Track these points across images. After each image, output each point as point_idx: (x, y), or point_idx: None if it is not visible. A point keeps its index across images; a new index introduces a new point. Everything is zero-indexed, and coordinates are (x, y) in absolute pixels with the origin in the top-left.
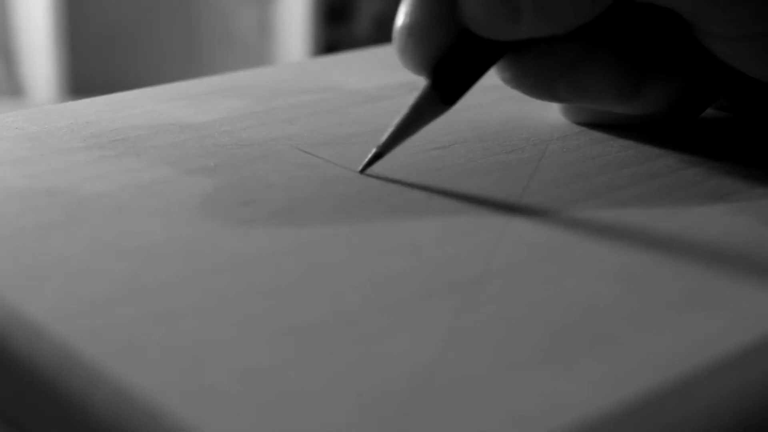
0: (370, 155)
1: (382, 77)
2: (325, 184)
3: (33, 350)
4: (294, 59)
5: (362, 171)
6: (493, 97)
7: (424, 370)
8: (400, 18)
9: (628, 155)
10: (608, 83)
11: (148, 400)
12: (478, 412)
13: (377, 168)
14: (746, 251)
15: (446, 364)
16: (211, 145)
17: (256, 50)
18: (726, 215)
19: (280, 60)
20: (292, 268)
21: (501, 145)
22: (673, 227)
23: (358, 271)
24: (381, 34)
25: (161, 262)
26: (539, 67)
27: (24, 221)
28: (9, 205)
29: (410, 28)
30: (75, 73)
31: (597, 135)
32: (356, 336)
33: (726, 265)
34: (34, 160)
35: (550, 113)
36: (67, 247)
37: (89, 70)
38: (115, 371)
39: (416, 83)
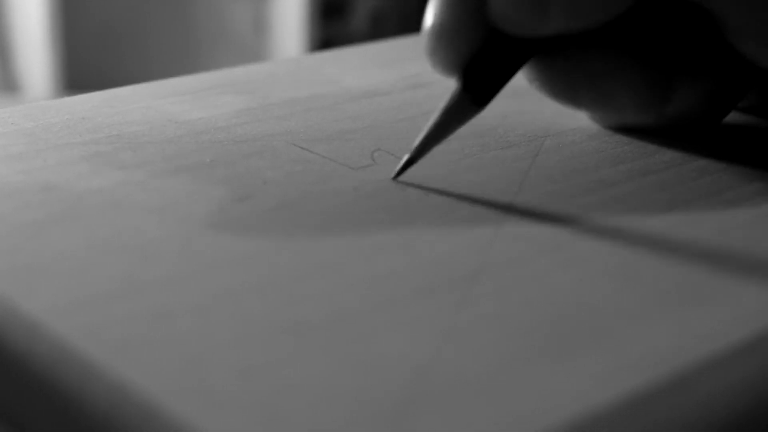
0: (402, 162)
1: (378, 73)
2: (321, 180)
3: (29, 348)
4: (289, 55)
5: (395, 178)
6: None
7: (421, 367)
8: (429, 19)
9: (624, 151)
10: (633, 95)
11: (144, 398)
12: (475, 408)
13: (374, 165)
14: (743, 247)
15: (443, 361)
16: (207, 141)
17: (252, 46)
18: (722, 211)
19: (275, 56)
20: (288, 264)
21: (497, 141)
22: (669, 223)
23: (355, 267)
24: (377, 30)
25: (157, 258)
26: (566, 73)
27: (19, 217)
28: (4, 201)
29: (440, 29)
30: (71, 69)
31: (593, 131)
32: (353, 333)
33: (722, 261)
34: (30, 156)
35: (547, 109)
36: (63, 244)
37: (85, 66)
38: (112, 369)
39: (412, 79)
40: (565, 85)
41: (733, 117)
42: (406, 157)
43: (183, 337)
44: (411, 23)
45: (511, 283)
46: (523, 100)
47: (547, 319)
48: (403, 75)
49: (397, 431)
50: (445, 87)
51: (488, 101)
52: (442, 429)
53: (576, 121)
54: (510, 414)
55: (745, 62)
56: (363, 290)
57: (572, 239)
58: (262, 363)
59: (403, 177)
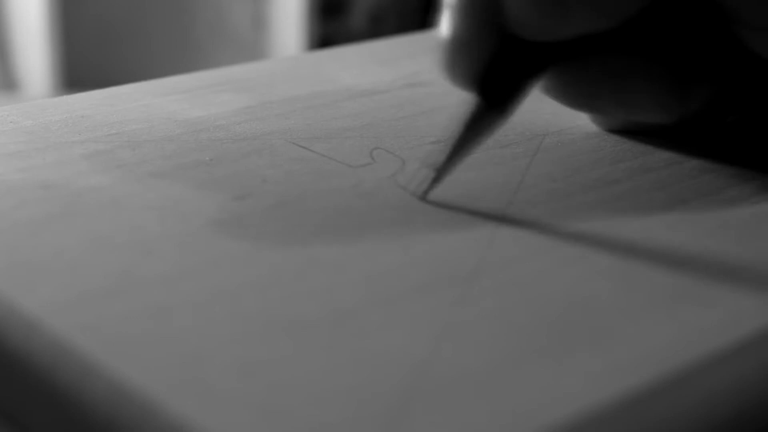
0: (429, 180)
1: (377, 71)
2: (320, 179)
3: (28, 344)
4: (289, 54)
5: (422, 198)
6: None
7: (420, 365)
8: (445, 31)
9: (623, 149)
10: (653, 99)
11: (142, 395)
12: (473, 406)
13: (373, 163)
14: (741, 246)
15: (441, 359)
16: (206, 140)
17: (251, 45)
18: (721, 210)
19: (274, 54)
20: (287, 262)
21: (496, 140)
22: (668, 221)
23: (353, 265)
24: (376, 28)
25: (156, 256)
26: (583, 78)
27: (19, 215)
28: (4, 199)
29: (458, 42)
30: (70, 67)
31: (592, 129)
32: (352, 330)
33: (721, 260)
34: (29, 153)
35: (546, 108)
36: (62, 241)
37: (84, 64)
38: (111, 365)
39: (411, 77)
40: (583, 88)
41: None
42: (432, 176)
43: (182, 334)
44: (410, 22)
45: (510, 281)
46: None
47: (546, 317)
48: (402, 73)
49: (395, 428)
50: (445, 86)
51: (510, 108)
52: (440, 426)
53: (575, 119)
54: (508, 411)
55: (755, 62)
56: (362, 288)
57: (571, 238)
58: (261, 360)
59: (403, 177)
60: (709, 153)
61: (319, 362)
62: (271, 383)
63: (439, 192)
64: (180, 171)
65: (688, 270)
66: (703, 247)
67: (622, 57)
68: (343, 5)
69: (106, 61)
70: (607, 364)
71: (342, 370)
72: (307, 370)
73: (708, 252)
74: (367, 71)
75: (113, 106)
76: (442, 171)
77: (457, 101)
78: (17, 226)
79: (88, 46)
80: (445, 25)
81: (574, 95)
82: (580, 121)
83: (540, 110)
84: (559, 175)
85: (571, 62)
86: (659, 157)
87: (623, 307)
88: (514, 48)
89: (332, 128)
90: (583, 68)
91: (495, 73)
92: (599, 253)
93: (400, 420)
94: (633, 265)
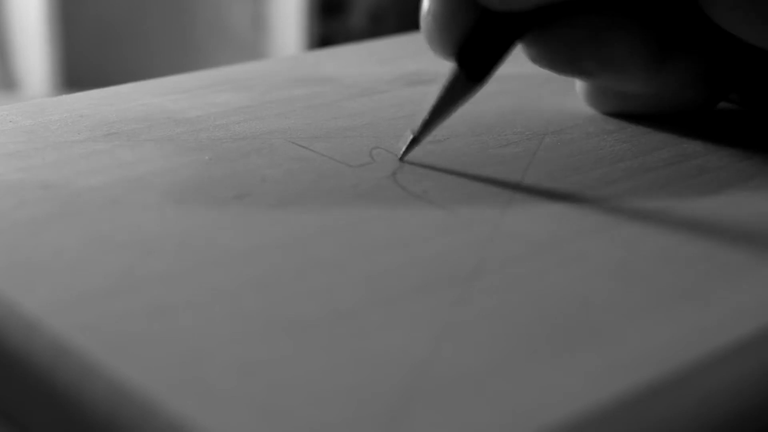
0: (407, 142)
1: (377, 71)
2: (320, 178)
3: (27, 344)
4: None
5: (402, 159)
6: (489, 91)
7: (420, 365)
8: (425, 4)
9: (623, 149)
10: (633, 51)
11: (143, 394)
12: (473, 405)
13: (373, 163)
14: (742, 245)
15: (442, 358)
16: (206, 139)
17: (251, 44)
18: (721, 209)
19: (274, 54)
20: (286, 262)
21: (496, 139)
22: (668, 221)
23: (353, 265)
24: (375, 27)
25: (156, 255)
26: (564, 41)
27: (18, 215)
28: (3, 198)
29: (434, 13)
30: (69, 67)
31: (591, 129)
32: (351, 330)
33: (721, 258)
34: (29, 153)
35: (545, 107)
36: (61, 241)
37: (83, 63)
38: (110, 365)
39: (411, 77)
40: (565, 51)
41: (731, 114)
42: (410, 138)
43: (182, 333)
44: (410, 21)
45: (510, 280)
46: (521, 98)
47: (546, 316)
48: (402, 72)
49: (396, 428)
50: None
51: (485, 77)
52: (440, 426)
53: (575, 119)
54: (508, 411)
55: (737, 43)
56: (362, 287)
57: (571, 237)
58: (261, 359)
59: (402, 176)
60: (710, 152)
61: (319, 362)
62: (271, 383)
63: (439, 191)
64: (179, 170)
65: (688, 270)
66: (703, 246)
67: (601, 16)
68: (342, 5)
69: (106, 60)
70: (607, 364)
71: (342, 369)
72: (307, 369)
73: (708, 251)
74: (367, 70)
75: (113, 105)
76: (420, 134)
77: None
78: (17, 226)
79: (88, 46)
80: (426, 1)
81: (559, 60)
82: (580, 121)
83: (540, 110)
84: (559, 175)
85: (548, 28)
86: (659, 156)
87: (623, 306)
88: (489, 21)
89: (332, 128)
90: (564, 32)
91: (472, 45)
92: (599, 252)
93: (401, 420)
94: (633, 264)
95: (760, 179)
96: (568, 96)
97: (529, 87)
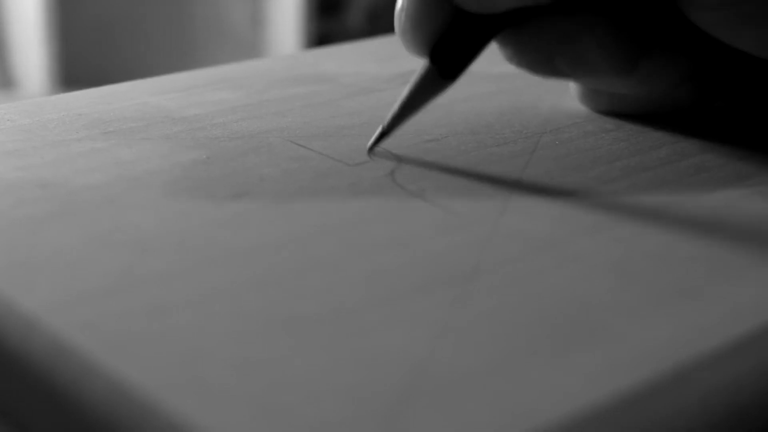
0: (376, 134)
1: (375, 69)
2: (318, 177)
3: (26, 343)
4: (286, 51)
5: (370, 151)
6: (486, 90)
7: (419, 364)
8: (399, 2)
9: (621, 148)
10: (605, 54)
11: (142, 393)
12: (472, 404)
13: (371, 162)
14: (740, 243)
15: (440, 358)
16: (204, 138)
17: (249, 42)
18: (719, 207)
19: (272, 52)
20: (285, 261)
21: (493, 138)
22: (665, 219)
23: (352, 264)
24: (373, 26)
25: (154, 254)
26: (538, 42)
27: (16, 213)
28: (1, 197)
29: (408, 11)
30: (67, 65)
31: (589, 128)
32: (350, 329)
33: (719, 258)
34: (27, 152)
35: (543, 106)
36: (59, 240)
37: (81, 62)
38: (109, 364)
39: (409, 75)
40: (539, 51)
41: (729, 113)
42: (379, 130)
43: (181, 332)
44: None
45: (509, 280)
46: (519, 97)
47: (545, 315)
48: (400, 71)
49: (395, 427)
50: None
51: (456, 74)
52: (439, 425)
53: (573, 117)
54: (507, 410)
55: (719, 44)
56: (360, 286)
57: (569, 236)
58: (260, 358)
59: (401, 175)
60: (708, 151)
61: (319, 361)
62: (270, 382)
63: (437, 190)
64: (177, 169)
65: (687, 268)
66: (701, 245)
67: (572, 16)
68: (340, 3)
69: (104, 59)
70: (606, 363)
71: (341, 369)
72: (306, 368)
73: (706, 250)
74: (364, 69)
75: (110, 104)
76: (389, 127)
77: (454, 99)
78: (15, 225)
79: (86, 44)
80: (401, 0)
81: (532, 60)
82: (578, 120)
83: (538, 108)
84: (557, 174)
85: (522, 28)
86: (656, 155)
87: (622, 305)
88: (462, 20)
89: (330, 126)
90: (535, 33)
91: (445, 44)
92: (598, 251)
93: (399, 418)
94: (632, 263)
95: (757, 178)
96: (566, 95)
97: (527, 86)
